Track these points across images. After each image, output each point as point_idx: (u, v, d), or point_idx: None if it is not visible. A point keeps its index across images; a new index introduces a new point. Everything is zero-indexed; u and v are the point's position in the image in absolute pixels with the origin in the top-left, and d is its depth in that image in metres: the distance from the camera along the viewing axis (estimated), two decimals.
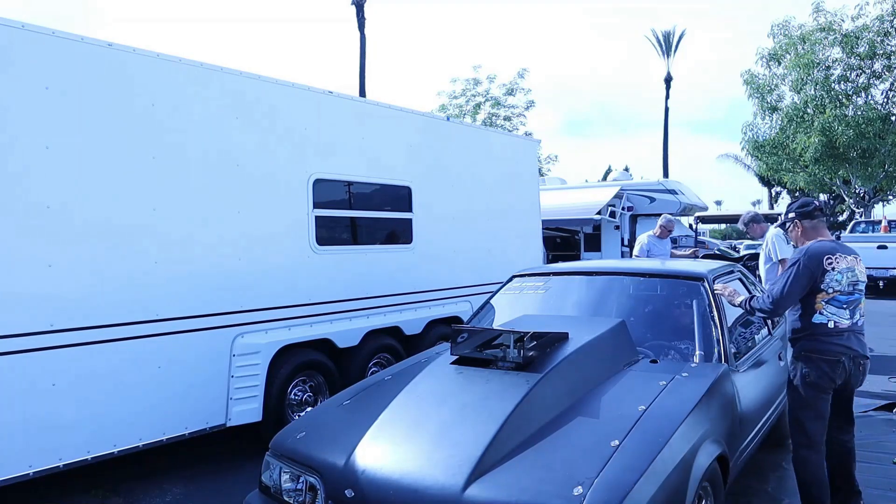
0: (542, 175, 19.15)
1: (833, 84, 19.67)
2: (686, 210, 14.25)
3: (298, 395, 5.09)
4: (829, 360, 3.27)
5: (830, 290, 3.28)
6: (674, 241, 9.11)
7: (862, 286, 3.38)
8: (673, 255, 7.92)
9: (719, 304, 3.52)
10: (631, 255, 8.53)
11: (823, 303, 3.29)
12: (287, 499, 2.66)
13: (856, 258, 3.39)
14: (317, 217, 5.21)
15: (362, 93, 22.89)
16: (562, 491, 2.14)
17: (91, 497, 4.18)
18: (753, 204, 62.37)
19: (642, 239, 7.89)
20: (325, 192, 5.33)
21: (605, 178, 31.47)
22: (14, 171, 3.58)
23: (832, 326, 3.29)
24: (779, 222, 3.88)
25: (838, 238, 6.69)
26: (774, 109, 21.16)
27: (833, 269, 3.28)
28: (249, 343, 4.64)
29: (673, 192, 13.90)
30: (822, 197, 28.73)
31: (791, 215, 3.60)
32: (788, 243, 5.80)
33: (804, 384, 3.32)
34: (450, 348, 3.13)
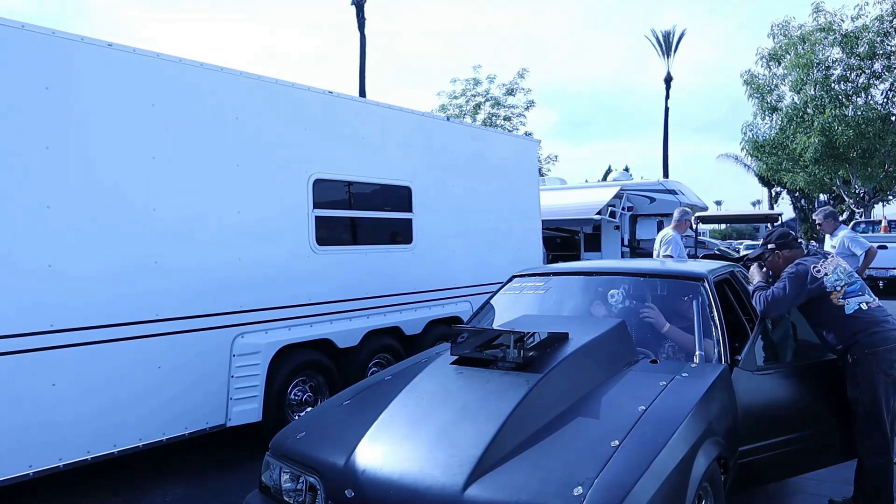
0: (542, 175, 19.15)
1: (833, 84, 19.65)
2: None
3: (298, 395, 5.09)
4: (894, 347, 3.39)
5: (838, 288, 3.52)
6: (702, 243, 8.33)
7: (855, 274, 3.65)
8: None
9: (719, 304, 3.52)
10: (651, 255, 7.96)
11: (841, 298, 3.51)
12: (287, 499, 2.65)
13: (833, 256, 3.68)
14: (317, 217, 5.21)
15: (362, 93, 22.89)
16: (562, 491, 2.13)
17: (91, 497, 4.18)
18: (753, 204, 62.48)
19: (660, 241, 7.08)
20: (325, 192, 5.33)
21: (605, 179, 31.44)
22: (14, 170, 3.58)
23: (866, 308, 3.48)
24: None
25: None
26: (774, 109, 21.13)
27: (825, 274, 3.55)
28: (249, 343, 4.65)
29: (673, 192, 13.90)
30: (822, 197, 28.70)
31: (771, 246, 3.83)
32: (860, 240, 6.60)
33: (882, 382, 3.37)
34: (450, 348, 3.13)
